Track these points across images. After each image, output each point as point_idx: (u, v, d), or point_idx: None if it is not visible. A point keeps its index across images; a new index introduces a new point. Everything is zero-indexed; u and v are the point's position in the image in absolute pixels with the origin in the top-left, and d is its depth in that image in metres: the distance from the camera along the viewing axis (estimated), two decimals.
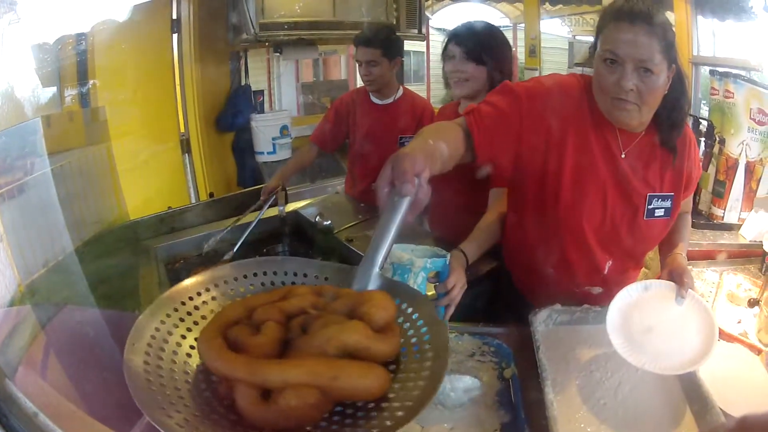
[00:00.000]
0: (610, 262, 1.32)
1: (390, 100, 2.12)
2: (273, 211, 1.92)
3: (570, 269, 1.30)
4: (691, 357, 1.03)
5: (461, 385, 0.99)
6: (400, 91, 2.13)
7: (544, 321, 1.20)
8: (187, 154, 2.42)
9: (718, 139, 2.27)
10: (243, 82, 2.75)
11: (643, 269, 1.76)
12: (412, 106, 2.11)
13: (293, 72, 3.11)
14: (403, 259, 1.24)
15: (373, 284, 0.74)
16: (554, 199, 1.23)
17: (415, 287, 1.11)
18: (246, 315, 0.67)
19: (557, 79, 1.28)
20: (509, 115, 1.17)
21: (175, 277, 1.57)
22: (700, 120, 2.37)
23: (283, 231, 1.88)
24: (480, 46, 1.66)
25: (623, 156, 1.23)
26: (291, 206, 1.98)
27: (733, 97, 2.18)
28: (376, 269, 0.75)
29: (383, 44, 2.03)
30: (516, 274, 1.44)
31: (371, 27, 2.30)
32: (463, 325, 1.23)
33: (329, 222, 1.78)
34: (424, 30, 3.22)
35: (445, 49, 1.70)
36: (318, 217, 1.78)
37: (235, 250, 1.69)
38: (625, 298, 1.15)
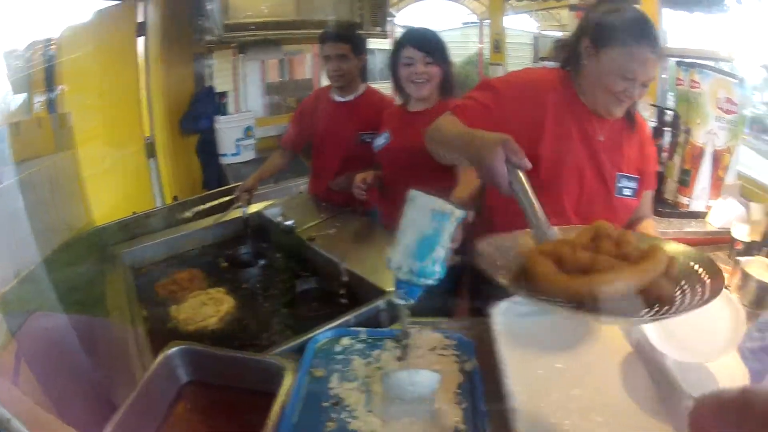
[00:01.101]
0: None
1: (351, 97, 2.13)
2: (236, 213, 1.94)
3: None
4: (722, 343, 1.07)
5: (420, 379, 0.98)
6: (362, 89, 2.15)
7: (504, 312, 1.20)
8: (152, 158, 2.43)
9: (683, 128, 2.28)
10: (208, 84, 2.74)
11: None
12: (373, 103, 2.11)
13: (258, 72, 3.10)
14: (446, 208, 1.25)
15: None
16: (535, 178, 1.27)
17: (450, 233, 1.20)
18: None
19: (531, 72, 1.44)
20: (490, 107, 1.28)
21: (143, 282, 1.58)
22: (666, 110, 2.43)
23: (246, 232, 1.90)
24: (436, 48, 1.77)
25: (600, 139, 1.36)
26: (254, 207, 2.00)
27: (699, 87, 2.20)
28: (553, 229, 0.94)
29: (352, 39, 2.07)
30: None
31: (339, 23, 2.35)
32: (425, 320, 1.24)
33: (291, 222, 1.79)
34: (388, 28, 3.23)
35: (399, 54, 1.76)
36: (280, 218, 1.81)
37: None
38: None
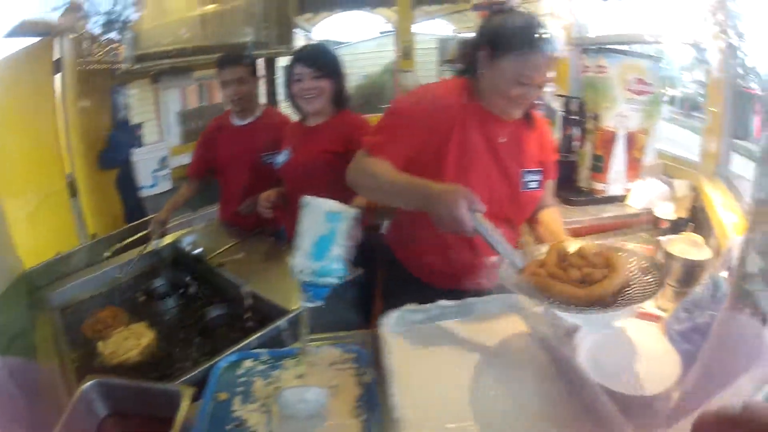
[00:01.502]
0: (500, 231, 1.41)
1: (251, 120, 2.16)
2: (151, 246, 1.96)
3: (468, 242, 1.41)
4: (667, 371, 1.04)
5: (309, 396, 1.00)
6: (260, 110, 2.19)
7: (395, 323, 1.19)
8: (75, 196, 2.43)
9: (591, 115, 2.28)
10: (124, 117, 2.74)
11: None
12: (273, 123, 2.14)
13: (175, 101, 3.09)
14: (338, 208, 1.24)
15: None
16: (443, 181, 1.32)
17: (345, 232, 1.23)
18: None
19: (435, 87, 1.51)
20: (404, 136, 1.34)
21: (73, 321, 1.61)
22: (571, 98, 2.42)
23: (161, 264, 1.93)
24: (324, 63, 1.82)
25: (502, 141, 1.42)
26: (169, 238, 2.03)
27: (606, 72, 2.20)
28: (520, 254, 1.14)
29: (249, 61, 2.12)
30: (410, 260, 1.56)
31: (234, 47, 2.37)
32: (326, 335, 1.27)
33: (200, 249, 1.86)
34: (296, 45, 3.29)
35: (290, 72, 1.82)
36: (189, 247, 1.86)
37: None
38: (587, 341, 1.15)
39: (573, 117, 2.38)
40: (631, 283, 1.08)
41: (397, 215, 1.62)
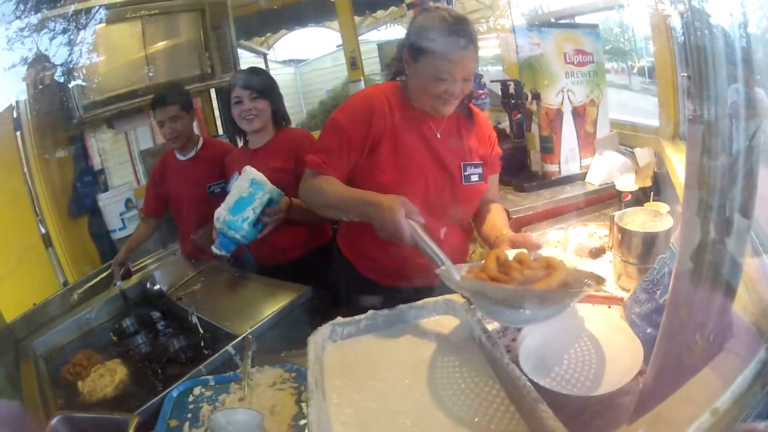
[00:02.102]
0: (444, 229, 1.48)
1: (192, 153, 2.23)
2: (115, 289, 2.05)
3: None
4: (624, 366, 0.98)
5: (236, 418, 1.01)
6: (201, 142, 2.25)
7: (325, 339, 1.16)
8: (50, 247, 2.51)
9: (531, 95, 2.16)
10: (85, 165, 2.83)
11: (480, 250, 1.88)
12: (214, 154, 2.20)
13: (133, 142, 3.16)
14: (263, 180, 1.57)
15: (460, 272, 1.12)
16: (380, 186, 1.36)
17: (262, 202, 1.48)
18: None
19: (366, 94, 1.50)
20: (342, 149, 1.39)
21: (56, 365, 1.71)
22: (507, 82, 2.34)
23: (128, 303, 2.03)
24: (260, 84, 1.92)
25: (438, 136, 1.45)
26: (138, 276, 2.13)
27: (540, 48, 2.07)
28: (450, 267, 1.12)
29: (180, 99, 2.17)
30: (362, 263, 1.58)
31: (161, 87, 2.40)
32: (269, 356, 1.31)
33: (158, 286, 1.94)
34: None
35: (230, 97, 1.91)
36: (148, 284, 1.96)
37: None
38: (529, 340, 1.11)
39: (512, 100, 2.32)
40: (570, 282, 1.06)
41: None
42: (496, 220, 1.53)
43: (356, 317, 1.20)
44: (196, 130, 2.32)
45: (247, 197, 1.58)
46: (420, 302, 1.25)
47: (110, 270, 2.25)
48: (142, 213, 2.45)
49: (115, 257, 2.25)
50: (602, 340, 1.08)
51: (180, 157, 2.26)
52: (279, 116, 1.98)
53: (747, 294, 0.84)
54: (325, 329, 1.17)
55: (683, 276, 0.82)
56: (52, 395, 1.57)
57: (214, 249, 1.57)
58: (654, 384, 0.85)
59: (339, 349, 1.15)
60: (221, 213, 1.59)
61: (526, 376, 0.96)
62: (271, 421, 1.07)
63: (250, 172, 1.62)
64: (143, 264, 2.66)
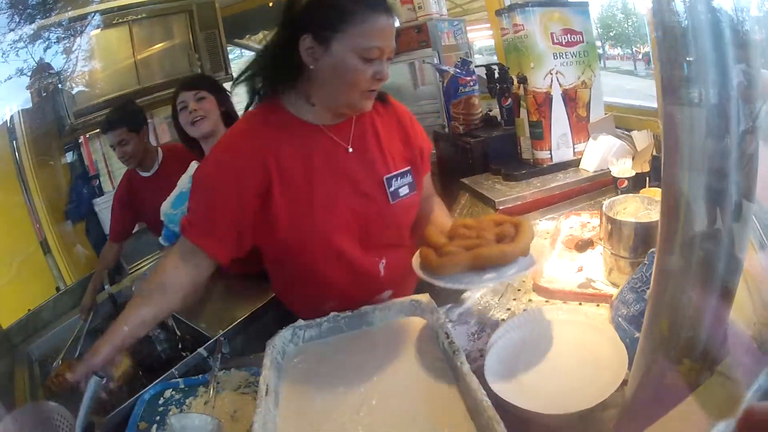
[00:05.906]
0: (383, 261, 1.26)
1: (155, 168, 2.20)
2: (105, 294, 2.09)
3: (354, 287, 1.23)
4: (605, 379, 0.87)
5: (189, 423, 1.00)
6: (161, 156, 2.21)
7: (285, 342, 1.13)
8: (48, 254, 2.53)
9: (517, 79, 2.04)
10: (80, 171, 2.83)
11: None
12: (177, 163, 2.02)
13: None
14: None
15: None
16: (282, 244, 1.17)
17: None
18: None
19: (230, 137, 1.18)
20: (209, 212, 1.13)
21: (47, 374, 1.74)
22: (491, 66, 2.28)
23: (117, 307, 2.05)
24: (201, 82, 1.83)
25: (350, 150, 1.17)
26: (129, 279, 2.15)
27: (524, 29, 1.92)
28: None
29: (126, 121, 2.10)
30: (305, 312, 1.24)
31: (111, 110, 2.32)
32: (237, 360, 1.28)
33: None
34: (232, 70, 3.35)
35: (175, 104, 1.80)
36: (133, 287, 1.97)
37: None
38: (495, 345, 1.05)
39: (497, 85, 2.23)
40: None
41: (275, 273, 1.38)
42: (439, 219, 1.34)
43: (318, 320, 1.17)
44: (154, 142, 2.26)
45: (186, 191, 1.61)
46: (385, 303, 1.21)
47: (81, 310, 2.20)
48: (109, 239, 2.38)
49: (83, 302, 2.18)
50: (582, 346, 0.99)
51: (143, 174, 2.23)
52: (230, 117, 1.85)
53: (749, 298, 0.66)
54: (285, 333, 1.14)
55: (664, 276, 0.66)
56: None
57: (160, 240, 1.62)
58: (632, 406, 0.73)
59: (300, 353, 1.13)
60: (165, 206, 1.64)
61: (490, 389, 0.89)
62: (230, 426, 1.06)
63: (192, 166, 1.66)
64: (138, 267, 2.69)
